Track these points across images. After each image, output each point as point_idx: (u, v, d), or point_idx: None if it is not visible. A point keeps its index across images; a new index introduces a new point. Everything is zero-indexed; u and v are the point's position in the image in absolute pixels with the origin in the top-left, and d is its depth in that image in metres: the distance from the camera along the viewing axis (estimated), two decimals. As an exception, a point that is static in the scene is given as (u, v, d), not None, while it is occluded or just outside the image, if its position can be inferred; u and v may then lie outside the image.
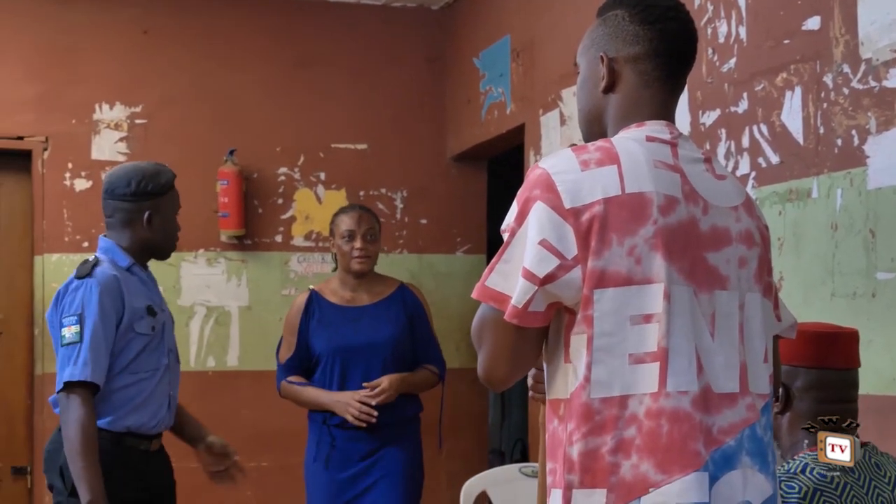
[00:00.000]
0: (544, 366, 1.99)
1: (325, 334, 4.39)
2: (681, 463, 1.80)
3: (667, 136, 1.97)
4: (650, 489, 1.80)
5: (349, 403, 4.26)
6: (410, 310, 4.48)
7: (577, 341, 1.85)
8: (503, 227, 1.93)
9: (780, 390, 2.33)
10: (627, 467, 1.81)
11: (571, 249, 1.83)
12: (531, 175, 1.91)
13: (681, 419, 1.81)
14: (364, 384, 4.31)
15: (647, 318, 1.83)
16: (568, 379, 1.87)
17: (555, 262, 1.83)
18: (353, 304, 4.46)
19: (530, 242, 1.85)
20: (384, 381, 4.28)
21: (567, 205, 1.84)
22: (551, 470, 1.91)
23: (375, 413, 4.23)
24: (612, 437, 1.82)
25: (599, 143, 1.95)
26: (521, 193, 1.91)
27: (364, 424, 4.24)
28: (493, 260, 1.90)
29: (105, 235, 3.62)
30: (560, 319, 1.90)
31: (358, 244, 4.40)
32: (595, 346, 1.83)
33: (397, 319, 4.43)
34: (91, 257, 3.54)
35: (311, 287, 4.57)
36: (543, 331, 1.92)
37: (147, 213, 3.56)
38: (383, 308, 4.45)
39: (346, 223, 4.45)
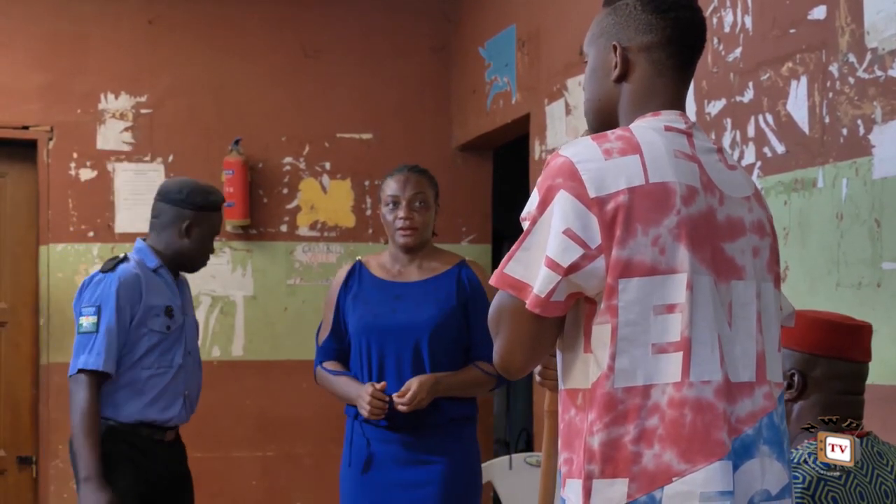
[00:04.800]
0: (559, 355, 1.98)
1: (358, 311, 3.66)
2: (704, 452, 1.80)
3: (682, 126, 1.98)
4: (673, 478, 1.80)
5: (361, 395, 3.53)
6: (466, 291, 3.67)
7: (601, 331, 1.85)
8: (523, 214, 1.91)
9: (796, 378, 2.33)
10: (650, 456, 1.80)
11: (595, 239, 1.82)
12: (553, 163, 1.90)
13: (704, 408, 1.81)
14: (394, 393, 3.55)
15: (671, 308, 1.83)
16: (589, 369, 1.86)
17: (579, 251, 1.82)
18: (399, 279, 3.70)
19: (554, 231, 1.84)
20: (413, 383, 3.49)
21: (591, 194, 1.83)
22: (567, 460, 1.91)
23: (386, 407, 3.50)
24: (635, 427, 1.81)
25: (619, 131, 1.94)
26: (543, 181, 1.89)
27: (378, 418, 3.53)
28: (513, 248, 1.90)
29: (143, 238, 3.91)
30: (578, 309, 1.89)
31: (402, 213, 3.64)
32: (619, 335, 1.82)
33: (445, 300, 3.63)
34: (121, 255, 3.84)
35: (359, 258, 3.86)
36: (562, 320, 1.92)
37: (188, 222, 3.82)
38: (432, 286, 3.67)
39: (390, 188, 3.68)
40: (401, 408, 3.47)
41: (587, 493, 1.83)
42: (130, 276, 3.72)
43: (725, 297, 1.90)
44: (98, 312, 3.65)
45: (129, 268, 3.74)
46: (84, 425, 3.58)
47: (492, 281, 1.92)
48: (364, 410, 3.49)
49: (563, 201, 1.84)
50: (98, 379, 3.64)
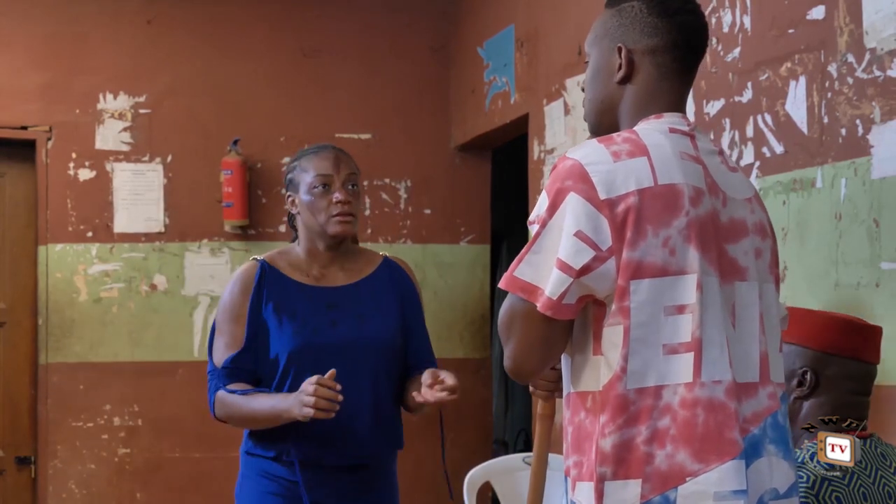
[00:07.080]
0: (565, 360, 1.99)
1: (291, 326, 3.02)
2: (717, 451, 1.82)
3: (685, 128, 1.99)
4: (687, 478, 1.81)
5: (302, 391, 2.82)
6: (401, 291, 3.16)
7: (612, 332, 1.86)
8: (531, 218, 1.92)
9: (808, 375, 2.33)
10: (662, 457, 1.82)
11: (606, 241, 1.83)
12: (562, 166, 1.91)
13: (716, 408, 1.83)
14: (426, 380, 2.86)
15: (681, 309, 1.84)
16: (599, 371, 1.87)
17: (590, 253, 1.83)
18: (324, 283, 3.10)
19: (565, 234, 1.85)
20: (448, 375, 2.88)
21: (602, 196, 1.84)
22: (577, 463, 1.91)
23: (338, 398, 2.80)
24: (647, 428, 1.82)
25: (624, 134, 1.95)
26: (552, 184, 1.90)
27: (332, 415, 2.80)
28: (523, 251, 1.90)
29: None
30: (586, 312, 1.90)
31: (340, 196, 3.04)
32: (632, 336, 1.84)
33: (387, 306, 3.11)
34: None
35: (257, 257, 3.17)
36: (571, 323, 1.92)
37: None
38: (367, 290, 3.11)
39: (318, 167, 3.06)
40: (447, 395, 2.82)
41: (600, 495, 1.84)
42: None
43: (729, 298, 1.91)
44: None
45: None
46: None
47: (501, 284, 1.92)
48: (306, 408, 2.79)
49: (573, 203, 1.85)
50: None
